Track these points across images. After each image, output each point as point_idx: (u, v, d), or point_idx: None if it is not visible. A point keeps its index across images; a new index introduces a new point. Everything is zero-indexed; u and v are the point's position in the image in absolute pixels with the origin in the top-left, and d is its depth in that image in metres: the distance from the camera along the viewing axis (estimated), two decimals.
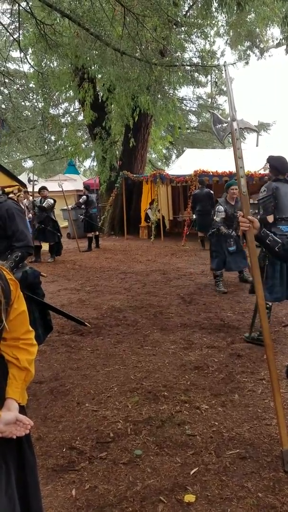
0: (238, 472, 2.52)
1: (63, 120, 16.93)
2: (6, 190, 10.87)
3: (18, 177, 14.10)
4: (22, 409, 1.60)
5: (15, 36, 8.94)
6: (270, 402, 3.27)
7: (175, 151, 26.76)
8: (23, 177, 15.87)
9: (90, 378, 3.93)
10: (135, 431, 3.00)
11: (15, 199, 8.49)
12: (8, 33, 9.36)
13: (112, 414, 3.25)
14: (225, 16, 11.19)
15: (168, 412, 3.25)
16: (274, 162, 4.86)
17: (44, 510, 1.94)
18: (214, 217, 7.12)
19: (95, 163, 21.52)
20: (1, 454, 1.52)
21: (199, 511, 2.22)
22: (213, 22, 12.19)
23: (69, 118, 18.83)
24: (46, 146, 15.64)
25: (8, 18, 9.71)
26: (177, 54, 10.47)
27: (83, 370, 4.10)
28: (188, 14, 11.97)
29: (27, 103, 14.47)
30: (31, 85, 13.26)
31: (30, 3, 7.86)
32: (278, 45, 16.57)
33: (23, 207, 11.68)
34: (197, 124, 25.69)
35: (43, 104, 12.59)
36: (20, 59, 9.51)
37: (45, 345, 4.70)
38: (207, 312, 5.90)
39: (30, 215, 11.39)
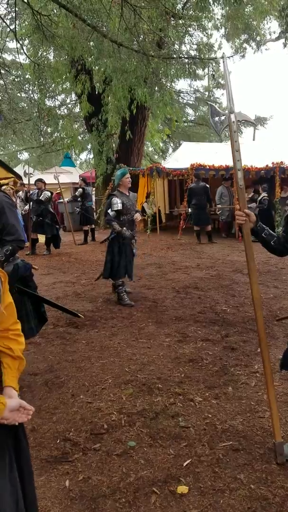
0: (231, 464, 2.53)
1: (59, 112, 16.83)
2: (2, 182, 10.81)
3: (14, 169, 14.03)
4: None
5: (11, 27, 8.85)
6: (263, 395, 3.29)
7: (172, 145, 26.69)
8: (18, 169, 15.78)
9: (85, 370, 3.93)
10: (129, 422, 3.02)
11: (8, 191, 8.44)
12: (4, 23, 9.26)
13: (106, 406, 3.26)
14: (222, 8, 11.12)
15: (162, 404, 3.26)
16: None
17: (37, 500, 1.95)
18: (108, 211, 6.08)
19: (91, 156, 21.45)
20: (4, 440, 1.54)
21: (191, 502, 2.24)
22: (210, 15, 12.11)
23: (65, 110, 18.72)
24: (42, 138, 15.56)
25: (5, 8, 9.63)
26: (175, 47, 10.41)
27: (78, 362, 4.11)
28: (185, 6, 11.88)
29: (23, 95, 14.37)
30: (27, 76, 13.16)
31: None
32: (278, 38, 16.52)
33: (17, 200, 11.63)
34: (194, 117, 25.63)
35: (39, 95, 12.51)
36: (16, 49, 9.43)
37: (40, 337, 4.70)
38: (202, 306, 5.91)
39: (26, 207, 11.34)
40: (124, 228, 6.03)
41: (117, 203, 5.99)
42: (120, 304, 6.10)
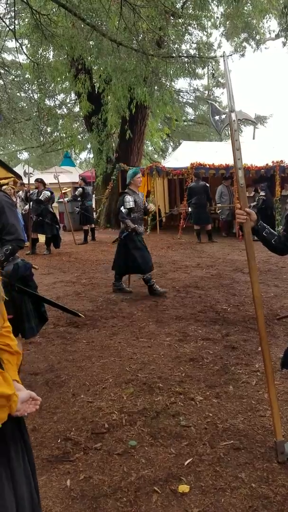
0: (232, 463, 2.53)
1: (59, 111, 16.82)
2: (2, 182, 10.82)
3: (14, 169, 14.03)
4: None
5: (11, 26, 8.85)
6: (264, 394, 3.28)
7: (172, 144, 26.67)
8: (18, 169, 15.77)
9: (86, 369, 3.93)
10: (130, 422, 3.01)
11: (8, 191, 8.44)
12: (3, 23, 9.26)
13: (107, 405, 3.25)
14: (219, 5, 11.10)
15: (163, 403, 3.26)
16: None
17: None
18: (121, 208, 6.32)
19: (91, 155, 21.45)
20: (15, 432, 1.57)
21: (193, 501, 2.24)
22: (210, 13, 12.10)
23: (65, 110, 18.69)
24: (41, 138, 15.55)
25: (4, 8, 9.63)
26: (174, 46, 10.41)
27: (78, 362, 4.11)
28: (185, 5, 11.87)
29: (23, 94, 14.37)
30: (26, 76, 13.16)
31: None
32: (277, 36, 16.49)
33: (18, 199, 11.63)
34: (193, 116, 25.62)
35: (38, 95, 12.51)
36: (15, 49, 9.42)
37: (40, 336, 4.70)
38: (202, 305, 5.91)
39: (26, 207, 11.34)
40: (137, 225, 6.32)
41: (130, 201, 6.26)
42: (154, 294, 6.39)
